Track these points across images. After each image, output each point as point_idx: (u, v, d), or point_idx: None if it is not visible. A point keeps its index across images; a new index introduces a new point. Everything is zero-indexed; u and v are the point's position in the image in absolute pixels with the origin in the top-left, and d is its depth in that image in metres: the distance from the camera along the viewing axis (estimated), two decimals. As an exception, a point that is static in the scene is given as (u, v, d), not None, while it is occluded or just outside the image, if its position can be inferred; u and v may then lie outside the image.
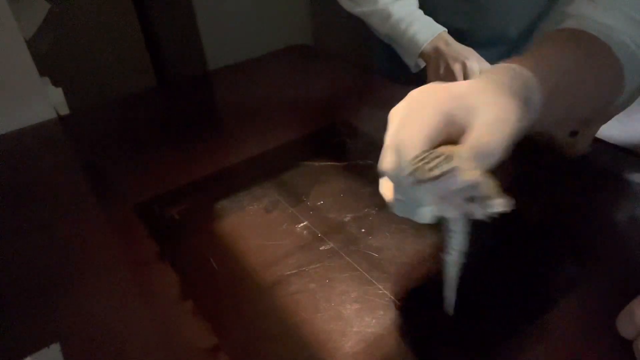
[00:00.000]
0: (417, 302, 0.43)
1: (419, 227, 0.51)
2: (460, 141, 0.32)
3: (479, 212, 0.30)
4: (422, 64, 0.82)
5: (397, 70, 0.90)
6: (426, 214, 0.33)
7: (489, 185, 0.29)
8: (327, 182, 0.60)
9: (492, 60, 0.82)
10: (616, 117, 0.68)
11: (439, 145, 0.32)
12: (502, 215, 0.30)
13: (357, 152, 0.64)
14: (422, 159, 0.29)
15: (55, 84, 0.91)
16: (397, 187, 0.34)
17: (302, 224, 0.53)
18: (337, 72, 0.96)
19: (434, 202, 0.31)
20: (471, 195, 0.30)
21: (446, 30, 0.79)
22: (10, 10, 0.80)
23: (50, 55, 1.14)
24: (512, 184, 0.53)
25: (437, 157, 0.29)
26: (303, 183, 0.60)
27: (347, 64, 1.00)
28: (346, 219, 0.53)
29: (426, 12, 0.82)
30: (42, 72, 0.87)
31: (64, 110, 0.90)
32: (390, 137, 0.33)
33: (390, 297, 0.43)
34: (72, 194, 0.66)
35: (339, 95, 0.83)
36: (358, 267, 0.47)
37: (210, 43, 1.54)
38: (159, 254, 0.52)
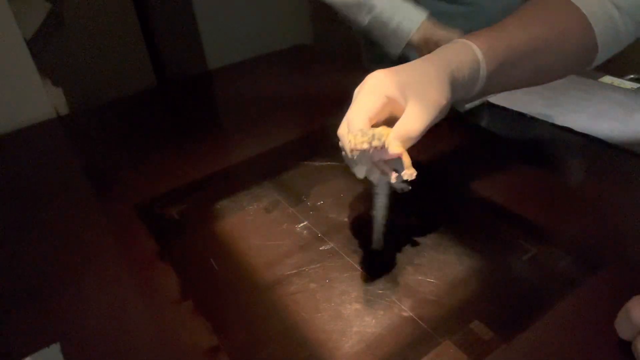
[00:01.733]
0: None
1: (418, 227, 0.51)
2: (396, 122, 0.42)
3: (395, 180, 0.43)
4: (409, 52, 0.80)
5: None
6: (360, 172, 0.44)
7: (407, 158, 0.42)
8: (327, 182, 0.60)
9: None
10: (616, 117, 0.68)
11: (385, 119, 0.44)
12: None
13: (357, 152, 0.64)
14: (356, 135, 0.40)
15: (55, 84, 0.92)
16: (345, 148, 0.44)
17: (302, 224, 0.53)
18: (337, 72, 0.96)
19: (366, 165, 0.43)
20: (394, 167, 0.43)
21: (429, 12, 0.77)
22: (10, 10, 0.80)
23: (50, 55, 1.14)
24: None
25: (368, 135, 0.39)
26: (303, 183, 0.60)
27: (347, 64, 1.00)
28: (346, 219, 0.53)
29: None
30: (42, 72, 0.87)
31: (64, 110, 0.90)
32: (347, 113, 0.44)
33: (391, 297, 0.44)
34: (72, 194, 0.66)
35: (339, 95, 0.83)
36: (358, 267, 0.47)
37: (210, 43, 1.54)
38: (159, 254, 0.52)
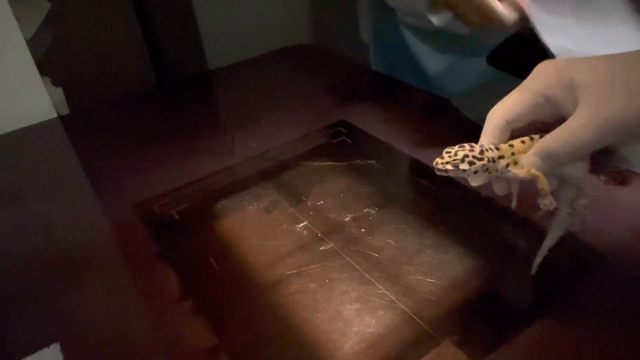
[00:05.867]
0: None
1: (418, 227, 0.51)
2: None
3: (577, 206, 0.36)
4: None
5: (394, 71, 0.89)
6: (499, 188, 0.38)
7: (541, 183, 0.34)
8: (327, 182, 0.60)
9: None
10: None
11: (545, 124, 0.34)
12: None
13: (357, 152, 0.64)
14: (448, 152, 0.33)
15: (55, 84, 0.92)
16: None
17: (302, 224, 0.53)
18: (337, 72, 0.96)
19: (497, 181, 0.36)
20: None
21: None
22: (11, 10, 0.80)
23: (50, 55, 1.14)
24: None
25: (456, 155, 0.32)
26: (303, 183, 0.60)
27: (347, 64, 1.00)
28: (346, 219, 0.53)
29: (422, 17, 0.80)
30: (42, 72, 0.87)
31: (64, 110, 0.90)
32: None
33: (391, 297, 0.44)
34: (72, 194, 0.66)
35: (339, 95, 0.83)
36: (358, 267, 0.47)
37: (210, 43, 1.54)
38: (159, 254, 0.52)
